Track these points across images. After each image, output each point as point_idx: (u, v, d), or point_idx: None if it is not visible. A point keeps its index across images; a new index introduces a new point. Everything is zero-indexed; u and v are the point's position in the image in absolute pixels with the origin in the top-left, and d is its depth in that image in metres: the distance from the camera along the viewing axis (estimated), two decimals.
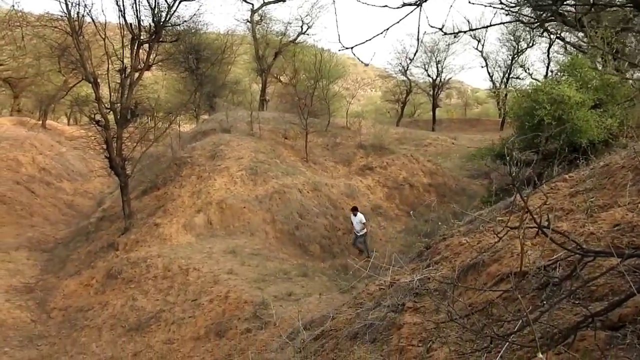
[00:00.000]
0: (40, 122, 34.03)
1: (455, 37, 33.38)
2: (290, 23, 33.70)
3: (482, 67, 39.57)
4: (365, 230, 15.49)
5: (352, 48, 3.10)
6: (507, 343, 3.17)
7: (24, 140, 27.64)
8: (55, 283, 15.07)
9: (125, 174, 17.16)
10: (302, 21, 32.97)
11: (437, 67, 38.90)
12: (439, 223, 8.44)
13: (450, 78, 41.04)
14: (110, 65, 17.48)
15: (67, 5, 16.03)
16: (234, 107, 29.54)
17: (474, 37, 37.30)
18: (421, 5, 3.08)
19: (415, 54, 38.82)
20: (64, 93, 27.26)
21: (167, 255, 13.71)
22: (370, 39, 3.19)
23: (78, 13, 16.47)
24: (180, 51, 27.52)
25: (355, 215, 15.50)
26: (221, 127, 23.62)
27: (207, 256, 13.63)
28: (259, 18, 34.16)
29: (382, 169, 20.74)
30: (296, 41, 32.96)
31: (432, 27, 3.32)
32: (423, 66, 39.29)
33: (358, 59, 3.38)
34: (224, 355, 9.71)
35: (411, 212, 17.50)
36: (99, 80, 17.38)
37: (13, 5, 12.13)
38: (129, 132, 17.99)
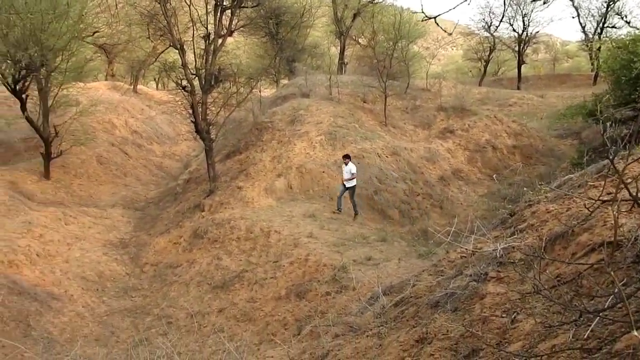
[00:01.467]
0: (132, 86, 35.79)
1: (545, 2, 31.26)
2: None
3: (572, 17, 36.76)
4: (354, 182, 14.62)
5: (434, 18, 2.98)
6: (598, 317, 3.03)
7: (117, 104, 29.24)
8: (147, 240, 16.07)
9: (209, 138, 17.78)
10: None
11: (523, 21, 36.58)
12: (524, 188, 8.12)
13: (538, 32, 38.44)
14: (195, 32, 17.98)
15: None
16: (313, 71, 29.54)
17: None
18: None
19: (503, 15, 36.46)
20: (153, 59, 28.49)
21: (249, 218, 14.18)
22: (454, 8, 3.05)
23: None
24: (260, 16, 27.75)
25: (346, 164, 14.72)
26: (300, 92, 23.77)
27: (288, 219, 13.97)
28: None
29: (463, 132, 20.13)
30: (375, 1, 32.16)
31: None
32: (508, 20, 37.05)
33: (442, 28, 3.25)
34: (304, 316, 10.03)
35: (494, 176, 16.97)
36: (184, 46, 17.92)
37: None
38: (213, 97, 18.56)
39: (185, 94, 17.87)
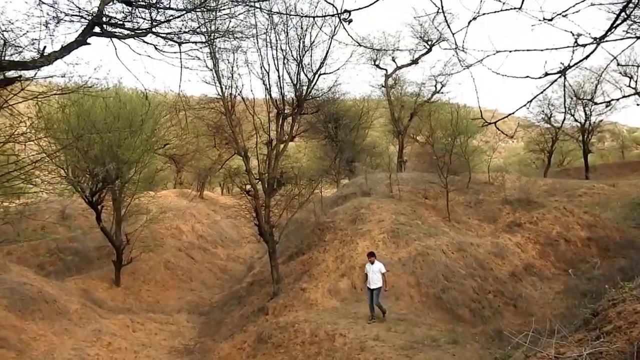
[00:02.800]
0: (198, 193, 37.49)
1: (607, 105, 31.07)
2: (424, 84, 33.99)
3: (638, 104, 35.88)
4: (380, 282, 13.32)
5: (495, 123, 3.03)
6: None
7: (184, 210, 30.52)
8: (212, 345, 15.94)
9: (273, 240, 18.04)
10: (436, 80, 33.08)
11: (584, 111, 36.15)
12: (605, 284, 7.58)
13: (602, 120, 37.77)
14: (258, 139, 18.92)
15: (221, 88, 17.85)
16: (373, 170, 30.01)
17: (625, 74, 34.05)
18: (565, 75, 2.93)
19: (562, 123, 36.11)
20: (218, 166, 29.91)
21: (313, 320, 13.89)
22: (513, 113, 3.09)
23: (231, 94, 18.21)
24: (320, 121, 29.07)
25: (372, 263, 13.52)
26: (361, 191, 24.04)
27: (353, 321, 13.57)
28: (393, 82, 34.97)
29: (532, 225, 19.40)
30: (431, 100, 33.02)
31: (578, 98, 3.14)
32: (569, 111, 36.76)
33: (502, 132, 3.28)
34: None
35: (570, 271, 15.99)
36: (248, 153, 18.80)
37: (179, 92, 13.78)
38: (275, 200, 19.09)
39: (249, 197, 18.48)
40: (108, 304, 18.96)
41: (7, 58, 7.53)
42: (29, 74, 7.92)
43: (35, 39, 7.51)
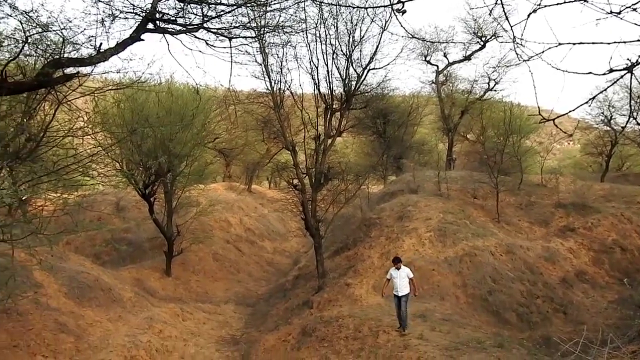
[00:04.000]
0: (247, 186, 38.11)
1: None
2: (476, 81, 33.24)
3: None
4: (408, 289, 12.40)
5: (553, 120, 2.95)
6: None
7: (233, 203, 31.12)
8: (257, 337, 16.23)
9: (319, 234, 18.15)
10: (489, 77, 32.28)
11: None
12: None
13: None
14: (306, 134, 19.06)
15: (270, 83, 18.06)
16: (421, 168, 29.70)
17: None
18: (632, 71, 2.82)
19: (625, 126, 34.39)
20: (266, 160, 30.36)
21: (357, 316, 13.92)
22: (574, 110, 3.00)
23: (280, 89, 18.40)
24: (368, 116, 28.94)
25: (397, 268, 12.52)
26: (408, 188, 23.83)
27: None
28: (444, 78, 34.39)
29: (586, 230, 18.72)
30: (483, 98, 32.26)
31: None
32: (631, 114, 35.11)
33: (562, 130, 3.19)
34: None
35: (625, 280, 15.33)
36: (296, 147, 18.96)
37: (229, 87, 13.99)
38: (322, 195, 19.18)
39: (296, 192, 18.65)
40: (159, 293, 19.61)
41: (65, 55, 7.89)
42: (86, 70, 8.27)
43: (92, 36, 7.82)
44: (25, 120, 9.91)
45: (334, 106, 19.16)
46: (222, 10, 8.36)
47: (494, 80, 32.13)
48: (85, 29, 7.91)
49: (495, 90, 32.46)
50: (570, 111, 3.08)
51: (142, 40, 7.79)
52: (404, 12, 4.40)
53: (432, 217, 18.99)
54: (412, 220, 19.13)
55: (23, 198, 10.90)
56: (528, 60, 3.75)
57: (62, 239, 21.41)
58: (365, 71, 19.14)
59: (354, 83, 19.16)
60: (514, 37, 3.79)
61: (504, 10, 4.07)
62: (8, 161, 9.22)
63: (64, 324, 12.79)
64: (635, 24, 3.23)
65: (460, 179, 23.91)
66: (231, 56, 8.40)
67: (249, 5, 9.07)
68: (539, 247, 17.46)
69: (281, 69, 18.17)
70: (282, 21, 11.44)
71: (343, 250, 19.96)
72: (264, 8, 9.86)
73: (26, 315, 12.14)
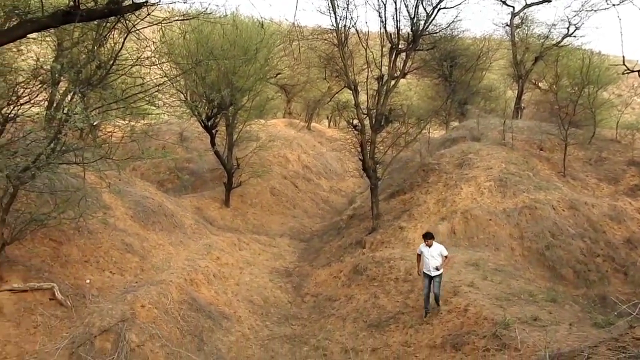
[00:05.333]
0: (306, 124, 38.19)
1: None
2: (554, 25, 31.15)
3: None
4: (442, 269, 11.30)
5: (639, 71, 2.71)
6: None
7: (292, 140, 31.38)
8: (309, 271, 16.73)
9: (376, 176, 18.11)
10: (569, 22, 30.06)
11: None
12: None
13: None
14: (369, 73, 18.66)
15: (336, 19, 17.62)
16: (486, 115, 28.66)
17: None
18: None
19: None
20: (327, 99, 30.14)
21: (409, 259, 14.01)
22: None
23: (345, 26, 17.95)
24: (435, 58, 27.90)
25: (429, 245, 11.37)
26: (471, 135, 23.18)
27: (449, 265, 13.52)
28: (519, 21, 32.38)
29: None
30: (560, 44, 30.26)
31: None
32: None
33: None
34: None
35: None
36: (358, 87, 18.66)
37: (294, 22, 13.81)
38: (381, 137, 18.98)
39: (356, 132, 18.54)
40: (218, 222, 20.41)
41: None
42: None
43: None
44: (96, 47, 10.18)
45: (400, 46, 18.55)
46: None
47: (575, 25, 29.90)
48: None
49: (575, 37, 30.25)
50: None
51: None
52: None
53: (494, 167, 18.47)
54: (472, 169, 18.70)
55: (94, 124, 11.37)
56: (618, 4, 3.42)
57: (129, 164, 22.44)
58: (436, 10, 18.31)
59: (422, 22, 18.41)
60: None
61: None
62: (80, 87, 9.57)
63: (130, 244, 13.60)
64: None
65: (527, 129, 22.95)
66: None
67: None
68: (605, 205, 16.73)
69: (347, 4, 17.73)
70: None
71: (399, 194, 19.90)
72: None
73: (96, 234, 12.97)
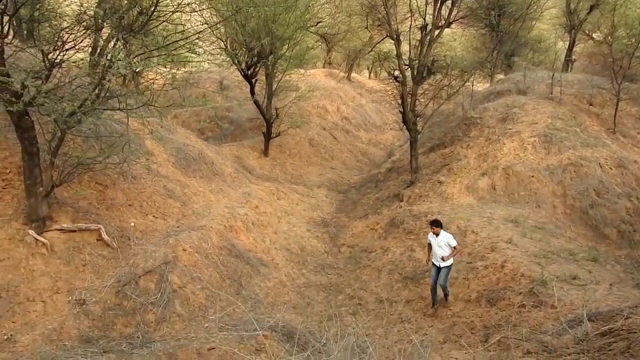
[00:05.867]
0: (346, 74, 37.62)
1: None
2: None
3: None
4: (451, 260, 10.37)
5: None
6: None
7: (331, 91, 31.06)
8: (346, 222, 16.87)
9: (415, 129, 17.83)
10: None
11: None
12: None
13: None
14: (412, 23, 18.09)
15: None
16: (534, 67, 27.57)
17: None
18: None
19: None
20: (368, 48, 29.49)
21: (446, 214, 13.93)
22: None
23: None
24: (482, 7, 26.73)
25: (436, 234, 10.39)
26: (517, 88, 22.41)
27: (487, 221, 13.37)
28: None
29: None
30: None
31: None
32: None
33: None
34: (494, 324, 9.54)
35: None
36: (400, 37, 18.15)
37: None
38: (423, 89, 18.56)
39: (396, 84, 18.17)
40: (257, 171, 20.65)
41: None
42: None
43: None
44: None
45: None
46: None
47: None
48: None
49: None
50: None
51: None
52: None
53: (539, 122, 17.90)
54: (516, 123, 18.17)
55: (136, 70, 11.48)
56: None
57: (170, 112, 22.74)
58: None
59: None
60: None
61: None
62: (122, 33, 9.63)
63: (171, 190, 13.94)
64: None
65: (577, 82, 22.00)
66: None
67: None
68: None
69: None
70: None
71: (439, 148, 19.60)
72: None
73: (139, 179, 13.32)
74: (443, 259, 10.24)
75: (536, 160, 16.11)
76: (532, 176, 15.49)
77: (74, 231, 10.58)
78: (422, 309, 11.03)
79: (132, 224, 11.75)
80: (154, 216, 12.62)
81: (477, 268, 11.31)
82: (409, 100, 17.71)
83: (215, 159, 18.11)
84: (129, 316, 9.55)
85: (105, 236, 10.75)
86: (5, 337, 8.44)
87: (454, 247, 10.22)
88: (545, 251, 11.57)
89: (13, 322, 8.74)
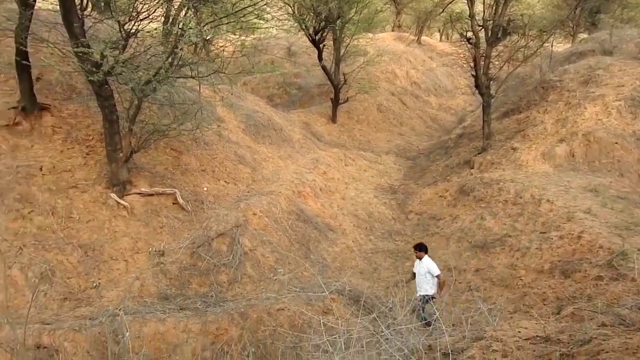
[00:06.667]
0: (416, 37, 36.55)
1: None
2: None
3: None
4: (433, 290, 8.84)
5: None
6: None
7: (401, 55, 30.33)
8: (414, 189, 16.66)
9: (489, 93, 17.15)
10: None
11: None
12: None
13: None
14: None
15: None
16: (622, 25, 25.58)
17: None
18: None
19: None
20: (440, 10, 28.41)
21: (520, 182, 13.43)
22: None
23: None
24: None
25: (419, 258, 9.06)
26: (602, 48, 20.95)
27: (564, 190, 12.78)
28: None
29: None
30: None
31: None
32: None
33: None
34: (568, 295, 9.22)
35: None
36: None
37: None
38: (497, 51, 17.73)
39: (469, 46, 17.46)
40: (325, 137, 20.71)
41: None
42: None
43: None
44: None
45: None
46: None
47: None
48: None
49: None
50: None
51: None
52: None
53: (626, 84, 16.68)
54: (599, 86, 17.04)
55: (207, 38, 11.68)
56: None
57: (240, 79, 23.08)
58: None
59: None
60: None
61: None
62: (193, 2, 9.79)
63: (242, 156, 14.28)
64: None
65: None
66: None
67: None
68: None
69: None
70: None
71: (513, 113, 18.78)
72: None
73: (211, 145, 13.73)
74: (422, 293, 8.72)
75: (621, 125, 15.11)
76: (616, 143, 14.57)
77: (152, 195, 11.11)
78: (492, 279, 10.82)
79: (205, 189, 12.18)
80: (225, 181, 13.01)
81: (552, 238, 10.89)
82: (482, 63, 16.99)
83: (283, 125, 18.31)
84: (203, 276, 10.01)
85: (180, 200, 11.23)
86: (94, 285, 9.12)
87: (437, 277, 8.78)
88: (627, 222, 10.94)
89: (99, 278, 9.38)
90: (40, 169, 10.55)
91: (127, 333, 7.45)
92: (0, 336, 7.18)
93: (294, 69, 27.58)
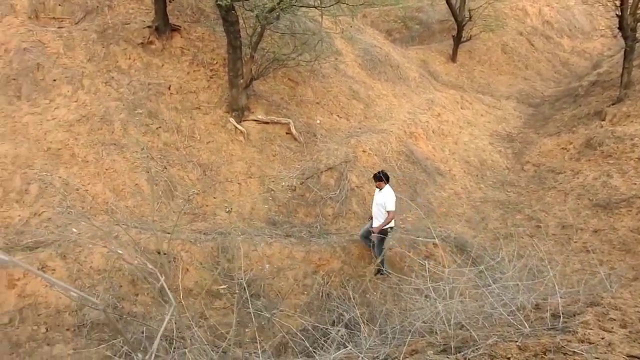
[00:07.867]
0: None
1: None
2: None
3: None
4: (392, 223, 8.31)
5: None
6: None
7: None
8: (534, 138, 15.65)
9: (634, 36, 15.32)
10: None
11: None
12: None
13: None
14: None
15: None
16: None
17: None
18: None
19: None
20: None
21: None
22: None
23: None
24: None
25: (379, 188, 8.44)
26: None
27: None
28: None
29: None
30: None
31: None
32: None
33: None
34: None
35: None
36: None
37: None
38: None
39: None
40: (442, 77, 19.85)
41: None
42: None
43: None
44: None
45: None
46: None
47: None
48: None
49: None
50: None
51: None
52: None
53: None
54: None
55: None
56: None
57: (361, 10, 22.47)
58: None
59: None
60: None
61: None
62: None
63: (356, 91, 14.16)
64: None
65: None
66: None
67: None
68: None
69: None
70: None
71: None
72: None
73: (327, 78, 13.72)
74: (372, 231, 8.34)
75: None
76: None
77: (267, 123, 11.46)
78: (612, 241, 10.09)
79: (318, 122, 12.32)
80: (338, 115, 13.04)
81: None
82: (631, 0, 15.10)
83: (400, 62, 17.77)
84: (310, 207, 10.31)
85: (293, 130, 11.47)
86: (227, 210, 9.75)
87: (389, 211, 8.15)
88: None
89: (214, 197, 10.00)
90: (169, 88, 11.22)
91: (241, 251, 7.96)
92: (126, 239, 7.97)
93: (416, 2, 26.33)
